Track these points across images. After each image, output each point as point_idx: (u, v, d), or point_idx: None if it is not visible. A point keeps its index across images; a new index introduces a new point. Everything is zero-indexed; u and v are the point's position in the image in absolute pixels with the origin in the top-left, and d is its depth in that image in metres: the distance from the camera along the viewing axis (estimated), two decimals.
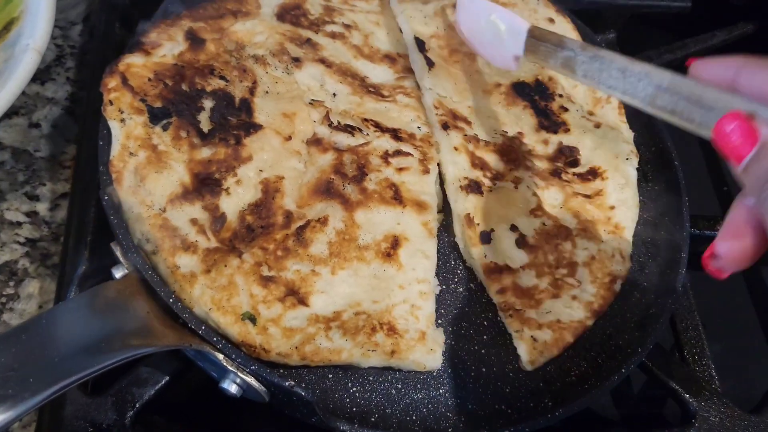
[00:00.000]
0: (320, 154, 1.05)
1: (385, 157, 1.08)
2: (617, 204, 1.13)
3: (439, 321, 1.01)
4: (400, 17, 1.24)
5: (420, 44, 1.20)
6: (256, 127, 1.05)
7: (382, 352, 0.92)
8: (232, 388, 0.84)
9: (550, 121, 1.19)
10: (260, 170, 1.01)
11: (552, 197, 1.11)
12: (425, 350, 0.94)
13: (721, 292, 1.38)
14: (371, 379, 0.94)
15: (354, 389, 0.93)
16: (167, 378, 0.92)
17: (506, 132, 1.17)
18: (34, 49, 1.04)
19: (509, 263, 1.04)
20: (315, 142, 1.06)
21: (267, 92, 1.10)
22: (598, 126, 1.20)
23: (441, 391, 0.96)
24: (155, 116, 1.01)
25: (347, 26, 1.25)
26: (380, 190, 1.04)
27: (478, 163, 1.10)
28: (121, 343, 0.75)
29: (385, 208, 1.02)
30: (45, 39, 1.06)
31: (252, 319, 0.89)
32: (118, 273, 0.87)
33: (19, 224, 1.10)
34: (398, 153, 1.09)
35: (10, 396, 0.66)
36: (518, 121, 1.19)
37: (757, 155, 0.62)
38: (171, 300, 0.84)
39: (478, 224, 1.05)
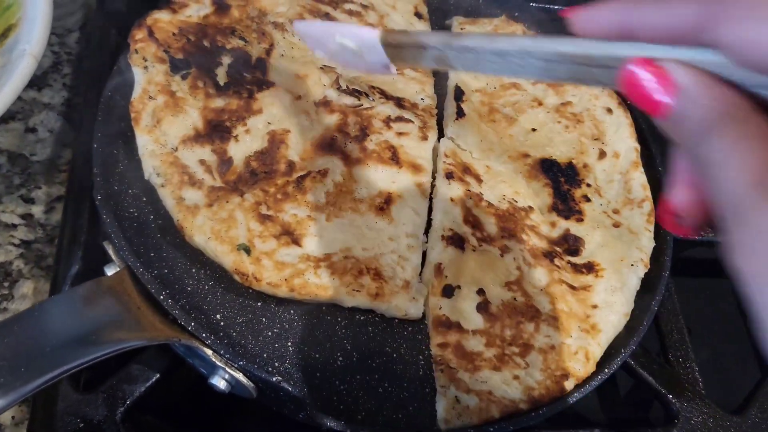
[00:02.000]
0: (327, 114, 1.12)
1: (387, 121, 1.14)
2: (602, 305, 1.06)
3: (425, 321, 1.03)
4: None
5: (458, 93, 1.23)
6: (269, 84, 1.13)
7: (366, 293, 0.97)
8: (221, 384, 0.86)
9: (566, 206, 1.15)
10: (269, 122, 1.09)
11: (535, 277, 1.06)
12: (408, 297, 0.99)
13: (707, 296, 1.40)
14: (358, 377, 0.96)
15: (341, 387, 0.94)
16: (157, 375, 0.93)
17: (516, 201, 1.14)
18: (31, 54, 1.06)
19: (462, 323, 1.00)
20: (324, 103, 1.13)
21: (282, 55, 1.18)
22: (616, 225, 1.15)
23: (427, 389, 0.97)
24: (176, 66, 1.11)
25: (364, 6, 1.31)
26: (379, 151, 1.10)
27: (471, 221, 1.08)
28: (110, 336, 0.77)
29: (383, 166, 1.08)
30: (42, 45, 1.08)
31: (247, 250, 0.96)
32: (110, 271, 0.89)
33: (14, 226, 1.12)
34: (400, 119, 1.15)
35: (2, 385, 0.68)
36: (534, 196, 1.16)
37: (684, 104, 0.52)
38: (162, 297, 0.86)
39: (446, 277, 1.02)
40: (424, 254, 1.06)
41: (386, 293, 0.98)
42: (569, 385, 0.98)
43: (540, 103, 1.27)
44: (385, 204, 1.06)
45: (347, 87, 1.17)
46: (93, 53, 1.27)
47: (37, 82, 1.29)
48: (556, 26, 1.36)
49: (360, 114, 1.13)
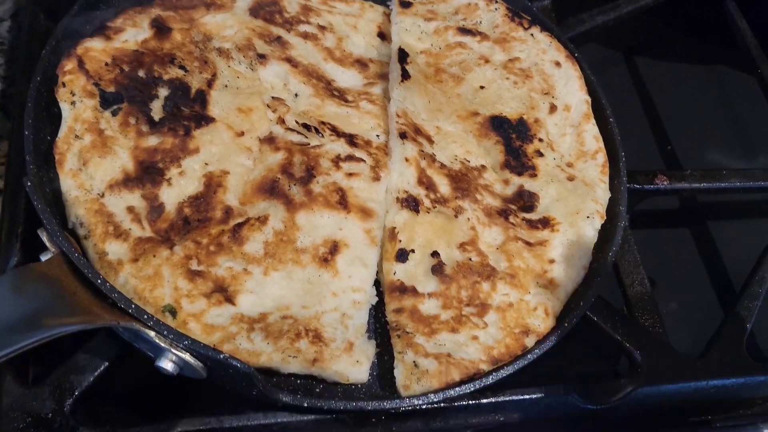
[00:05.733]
0: (271, 152, 1.04)
1: (336, 161, 1.05)
2: (558, 260, 1.04)
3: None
4: (394, 27, 1.23)
5: (402, 55, 1.18)
6: (208, 120, 1.04)
7: (303, 359, 0.88)
8: (169, 366, 0.83)
9: (518, 162, 1.13)
10: (206, 163, 1.01)
11: (491, 237, 1.05)
12: (351, 362, 0.90)
13: (668, 248, 1.40)
14: None
15: None
16: (106, 363, 0.90)
17: (468, 161, 1.12)
18: None
19: (417, 286, 0.98)
20: (268, 140, 1.05)
21: (226, 86, 1.10)
22: (571, 179, 1.13)
23: (386, 357, 0.96)
24: (106, 101, 1.02)
25: (322, 27, 1.23)
26: (326, 194, 1.01)
27: (425, 182, 1.06)
28: (44, 322, 0.74)
29: (329, 212, 1.00)
30: None
31: (172, 312, 0.88)
32: (44, 258, 0.86)
33: None
34: (350, 158, 1.06)
35: None
36: (485, 154, 1.14)
37: None
38: (99, 281, 0.82)
39: (400, 241, 1.00)
40: (375, 305, 1.00)
41: (326, 358, 0.89)
42: (530, 341, 0.97)
43: (487, 61, 1.24)
44: (329, 254, 0.97)
45: (296, 122, 1.08)
46: (24, 41, 1.22)
47: None
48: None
49: (307, 153, 1.04)
